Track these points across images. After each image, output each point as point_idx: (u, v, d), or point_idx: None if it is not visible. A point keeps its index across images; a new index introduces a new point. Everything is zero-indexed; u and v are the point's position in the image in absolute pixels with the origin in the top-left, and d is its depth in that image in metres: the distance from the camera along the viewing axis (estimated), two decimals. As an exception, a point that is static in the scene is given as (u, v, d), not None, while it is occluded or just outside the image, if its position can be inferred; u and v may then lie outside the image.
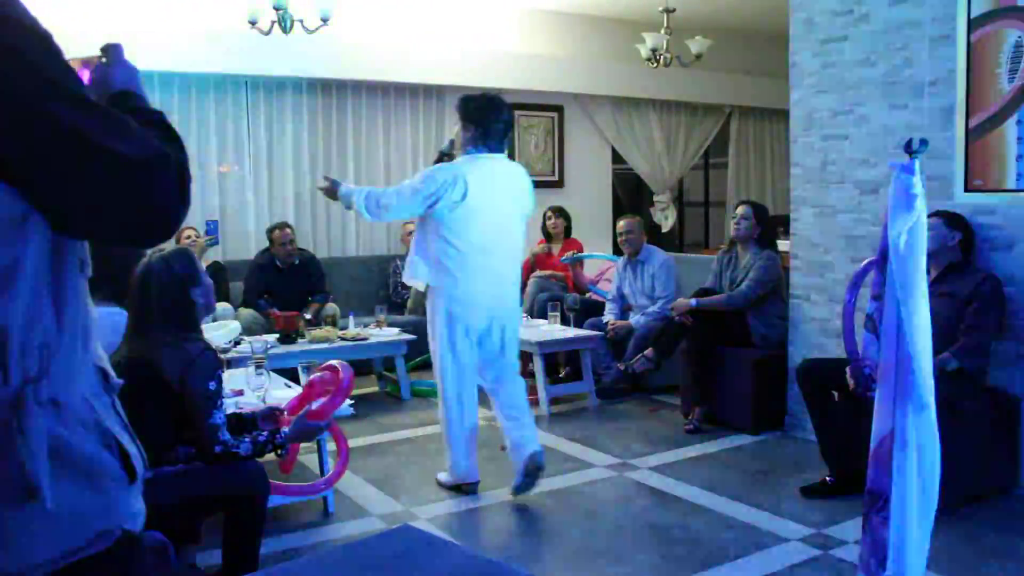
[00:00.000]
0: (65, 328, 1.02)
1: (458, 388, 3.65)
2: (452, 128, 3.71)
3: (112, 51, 1.16)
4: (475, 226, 3.46)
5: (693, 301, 4.67)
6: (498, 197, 3.52)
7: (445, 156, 3.76)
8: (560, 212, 6.49)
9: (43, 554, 0.99)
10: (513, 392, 3.75)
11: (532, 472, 3.59)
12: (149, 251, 2.59)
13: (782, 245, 5.53)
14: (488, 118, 3.52)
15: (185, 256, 2.62)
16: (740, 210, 4.76)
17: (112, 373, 1.13)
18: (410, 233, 6.69)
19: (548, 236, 6.56)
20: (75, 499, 1.01)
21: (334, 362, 3.22)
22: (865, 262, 3.48)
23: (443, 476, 3.82)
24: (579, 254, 6.26)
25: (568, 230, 6.49)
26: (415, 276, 3.61)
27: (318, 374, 3.26)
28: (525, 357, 5.60)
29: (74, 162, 0.93)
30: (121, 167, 0.96)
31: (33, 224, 0.97)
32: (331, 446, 3.65)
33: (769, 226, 4.77)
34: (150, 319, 2.52)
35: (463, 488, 3.73)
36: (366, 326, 5.36)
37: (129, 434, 1.11)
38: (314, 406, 2.92)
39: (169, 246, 2.63)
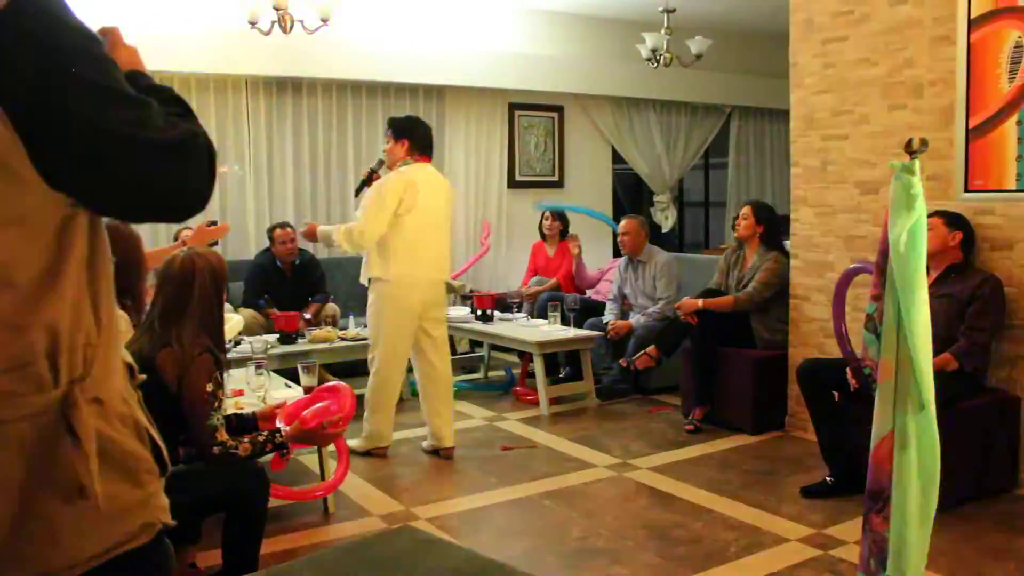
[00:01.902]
0: (103, 326, 1.05)
1: (396, 363, 4.16)
2: (383, 147, 4.25)
3: (111, 35, 1.17)
4: (423, 223, 4.05)
5: (700, 302, 4.66)
6: (436, 197, 4.15)
7: (375, 174, 4.18)
8: (558, 214, 6.49)
9: (90, 548, 1.01)
10: (440, 377, 4.24)
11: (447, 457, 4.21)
12: (180, 251, 2.61)
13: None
14: (418, 132, 4.15)
15: (221, 259, 2.64)
16: (742, 210, 4.79)
17: (136, 368, 1.16)
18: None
19: (543, 237, 6.56)
20: (119, 494, 1.04)
21: (342, 385, 3.21)
22: (850, 267, 3.49)
23: (356, 442, 4.12)
24: (555, 205, 6.26)
25: (564, 232, 6.49)
26: (371, 272, 4.12)
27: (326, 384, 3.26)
28: (525, 357, 5.65)
29: (113, 157, 0.97)
30: (157, 153, 0.99)
31: (76, 226, 1.00)
32: (330, 446, 3.65)
33: (774, 226, 4.74)
34: (181, 316, 2.51)
35: (376, 452, 4.18)
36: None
37: (155, 428, 1.14)
38: (306, 414, 2.91)
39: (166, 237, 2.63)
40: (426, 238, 4.09)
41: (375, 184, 4.09)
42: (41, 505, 0.98)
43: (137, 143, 0.97)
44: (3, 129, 0.92)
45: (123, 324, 2.51)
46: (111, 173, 0.97)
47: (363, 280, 4.23)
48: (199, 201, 1.06)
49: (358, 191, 4.21)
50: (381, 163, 4.25)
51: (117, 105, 0.97)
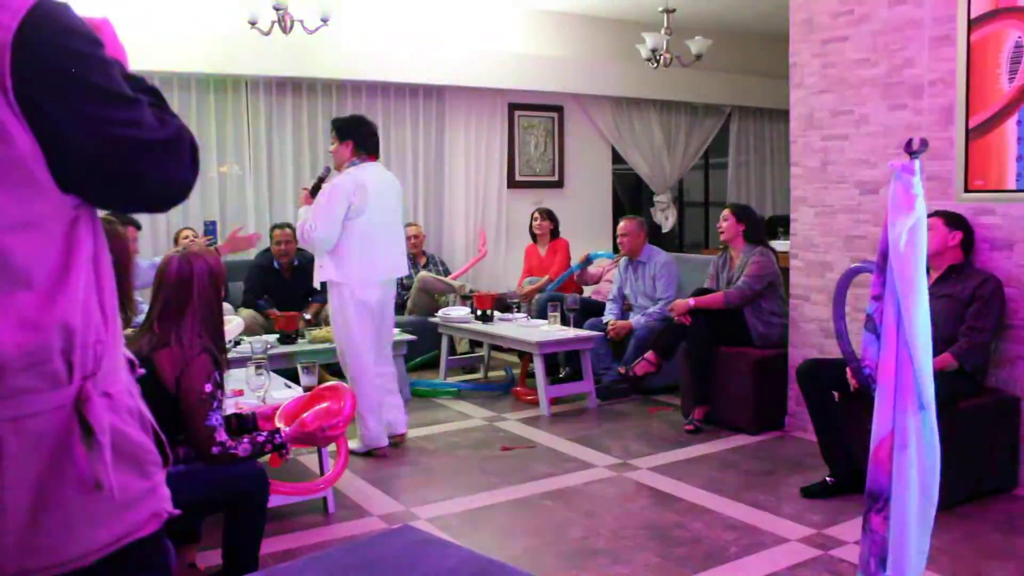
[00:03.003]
0: (109, 322, 1.09)
1: (368, 363, 4.17)
2: (328, 149, 4.27)
3: (97, 27, 1.18)
4: (375, 223, 4.06)
5: (691, 301, 4.68)
6: (387, 196, 4.16)
7: (322, 181, 4.17)
8: (547, 214, 6.50)
9: (103, 537, 1.05)
10: (389, 371, 4.35)
11: (398, 443, 4.36)
12: (174, 250, 2.62)
13: (782, 245, 5.54)
14: (362, 132, 4.14)
15: (219, 259, 2.65)
16: (722, 214, 4.85)
17: (136, 363, 1.19)
18: (409, 237, 6.75)
19: (533, 237, 6.56)
20: (129, 484, 1.07)
21: (342, 385, 3.20)
22: (850, 267, 3.49)
23: (354, 444, 4.12)
24: (589, 259, 6.24)
25: (554, 232, 6.50)
26: (325, 276, 4.10)
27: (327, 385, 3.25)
28: (525, 357, 5.65)
29: (117, 157, 1.01)
30: (152, 151, 1.04)
31: (82, 226, 1.04)
32: (331, 446, 3.65)
33: (755, 223, 4.81)
34: (180, 317, 2.51)
35: (374, 453, 4.19)
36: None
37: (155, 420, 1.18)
38: (306, 416, 2.91)
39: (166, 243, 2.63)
40: (379, 238, 4.12)
41: (324, 188, 4.08)
42: (57, 497, 1.01)
43: (137, 143, 1.02)
44: (25, 136, 0.95)
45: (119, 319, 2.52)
46: (113, 171, 1.02)
47: (316, 284, 4.26)
48: (185, 192, 1.12)
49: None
50: (328, 170, 4.25)
51: (120, 107, 1.01)
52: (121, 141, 1.01)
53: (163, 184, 1.08)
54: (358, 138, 4.12)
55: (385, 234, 4.16)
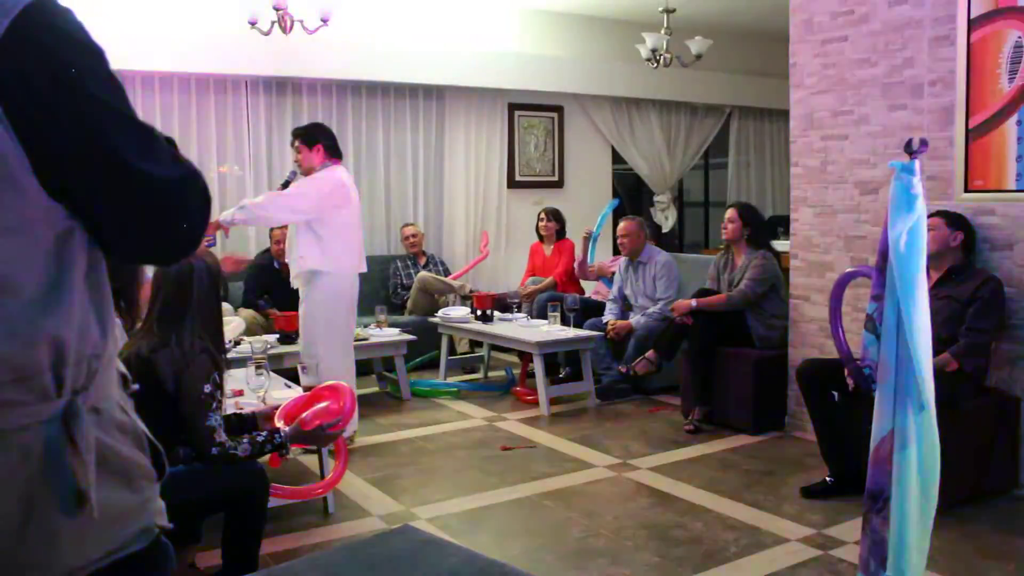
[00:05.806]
0: (107, 337, 1.05)
1: (346, 355, 4.31)
2: (295, 156, 4.34)
3: None
4: (354, 221, 4.29)
5: (693, 302, 4.68)
6: (356, 195, 4.38)
7: (288, 185, 4.24)
8: (554, 215, 6.50)
9: (90, 554, 1.02)
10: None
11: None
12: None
13: (782, 245, 5.54)
14: (328, 136, 4.31)
15: (217, 259, 2.65)
16: (727, 213, 4.82)
17: (129, 376, 1.16)
18: (408, 237, 6.74)
19: (540, 238, 6.57)
20: (117, 500, 1.04)
21: (341, 384, 3.20)
22: (847, 271, 3.49)
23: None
24: (593, 236, 6.28)
25: (560, 232, 6.50)
26: (309, 265, 4.14)
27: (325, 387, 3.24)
28: (525, 357, 5.65)
29: (113, 183, 0.96)
30: (157, 189, 0.98)
31: (77, 239, 0.99)
32: (330, 446, 3.65)
33: (760, 226, 4.78)
34: (180, 318, 2.51)
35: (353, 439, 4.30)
36: (366, 326, 5.36)
37: (151, 433, 1.15)
38: (306, 415, 2.91)
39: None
40: (355, 234, 4.32)
41: (318, 177, 4.15)
42: (43, 512, 0.98)
43: (144, 174, 0.96)
44: (7, 139, 0.91)
45: (116, 331, 2.52)
46: (110, 195, 0.97)
47: (297, 281, 4.24)
48: (191, 244, 1.05)
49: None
50: (295, 174, 4.30)
51: (125, 128, 0.96)
52: (122, 166, 0.95)
53: (168, 228, 1.02)
54: (327, 142, 4.25)
55: (359, 232, 4.38)
